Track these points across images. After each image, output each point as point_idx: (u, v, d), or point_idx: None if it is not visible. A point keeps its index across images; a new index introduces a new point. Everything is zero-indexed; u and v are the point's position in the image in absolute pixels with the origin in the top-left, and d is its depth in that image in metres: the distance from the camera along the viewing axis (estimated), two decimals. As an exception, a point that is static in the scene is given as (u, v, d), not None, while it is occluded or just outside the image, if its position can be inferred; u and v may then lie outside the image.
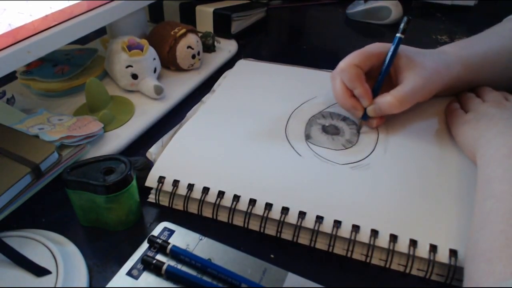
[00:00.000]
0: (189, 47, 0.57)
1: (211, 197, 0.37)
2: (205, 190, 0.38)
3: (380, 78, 0.45)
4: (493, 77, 0.48)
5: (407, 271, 0.33)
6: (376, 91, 0.45)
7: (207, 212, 0.38)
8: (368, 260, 0.34)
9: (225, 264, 0.32)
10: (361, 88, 0.44)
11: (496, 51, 0.48)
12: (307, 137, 0.44)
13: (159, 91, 0.52)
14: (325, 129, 0.45)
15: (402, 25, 0.45)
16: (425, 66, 0.43)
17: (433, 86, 0.44)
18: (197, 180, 0.38)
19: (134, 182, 0.36)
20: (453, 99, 0.48)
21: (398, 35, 0.44)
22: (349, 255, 0.34)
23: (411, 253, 0.33)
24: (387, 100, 0.42)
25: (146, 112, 0.50)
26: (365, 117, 0.45)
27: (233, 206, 0.37)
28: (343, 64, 0.45)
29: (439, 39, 0.73)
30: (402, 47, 0.45)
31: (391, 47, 0.44)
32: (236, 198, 0.37)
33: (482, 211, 0.31)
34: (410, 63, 0.43)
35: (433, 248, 0.33)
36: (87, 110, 0.49)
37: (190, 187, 0.38)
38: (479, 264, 0.28)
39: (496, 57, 0.47)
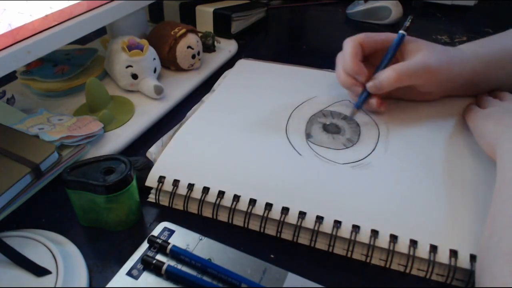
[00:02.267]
0: (189, 47, 0.57)
1: (211, 197, 0.37)
2: (205, 190, 0.38)
3: (380, 65, 0.45)
4: (508, 77, 0.47)
5: (407, 271, 0.33)
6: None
7: (207, 212, 0.38)
8: (368, 260, 0.34)
9: (225, 264, 0.32)
10: (353, 64, 0.44)
11: None
12: (308, 136, 0.44)
13: (159, 91, 0.52)
14: (325, 128, 0.45)
15: (406, 23, 0.46)
16: (434, 51, 0.43)
17: (441, 75, 0.43)
18: (197, 180, 0.38)
19: (134, 182, 0.36)
20: (471, 102, 0.48)
21: (401, 31, 0.45)
22: (349, 255, 0.34)
23: (411, 253, 0.33)
24: (387, 73, 0.42)
25: (146, 112, 0.50)
26: (357, 104, 0.45)
27: (233, 206, 0.37)
28: (348, 38, 0.46)
29: (439, 39, 0.73)
30: (413, 38, 0.45)
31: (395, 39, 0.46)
32: (236, 198, 0.37)
33: (505, 211, 0.30)
34: (418, 47, 0.44)
35: (433, 249, 0.32)
36: (87, 110, 0.49)
37: (190, 187, 0.38)
38: (504, 265, 0.27)
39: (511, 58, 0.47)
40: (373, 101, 0.45)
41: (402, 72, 0.42)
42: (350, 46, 0.45)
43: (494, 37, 0.50)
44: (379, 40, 0.46)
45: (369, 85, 0.44)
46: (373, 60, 0.47)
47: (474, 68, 0.45)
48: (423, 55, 0.43)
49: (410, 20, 0.46)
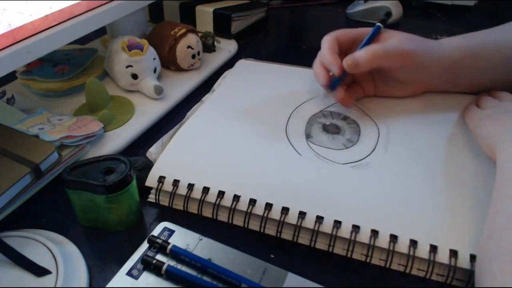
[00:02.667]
0: (189, 47, 0.57)
1: (211, 197, 0.37)
2: (205, 190, 0.38)
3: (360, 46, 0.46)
4: (493, 66, 0.47)
5: (407, 271, 0.33)
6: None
7: (207, 212, 0.38)
8: (368, 260, 0.34)
9: (225, 264, 0.32)
10: (328, 55, 0.45)
11: (497, 41, 0.47)
12: (308, 136, 0.44)
13: (159, 91, 0.52)
14: (325, 128, 0.45)
15: (382, 16, 0.48)
16: (411, 38, 0.45)
17: (416, 55, 0.44)
18: (197, 180, 0.38)
19: (134, 182, 0.36)
20: (470, 102, 0.48)
21: (377, 24, 0.47)
22: (349, 255, 0.34)
23: (411, 253, 0.33)
24: (362, 51, 0.44)
25: (146, 112, 0.50)
26: (333, 86, 0.46)
27: (233, 206, 0.37)
28: (326, 35, 0.48)
29: (439, 39, 0.73)
30: (389, 29, 0.47)
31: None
32: (236, 198, 0.37)
33: (505, 210, 0.30)
34: (394, 34, 0.46)
35: (433, 249, 0.32)
36: (87, 110, 0.49)
37: (190, 187, 0.38)
38: (504, 264, 0.27)
39: (496, 47, 0.47)
40: (337, 93, 0.47)
41: (378, 50, 0.44)
42: (327, 40, 0.47)
43: (479, 32, 0.50)
44: (356, 34, 0.48)
45: (346, 60, 0.44)
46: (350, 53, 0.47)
47: (452, 56, 0.46)
48: (398, 40, 0.45)
49: (385, 14, 0.47)
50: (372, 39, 0.46)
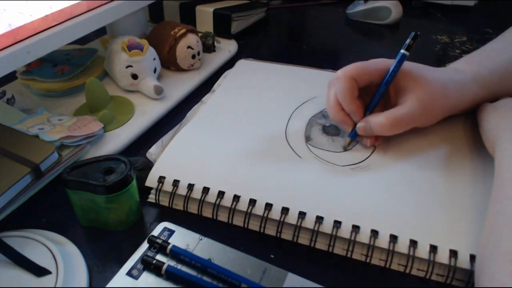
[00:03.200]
0: (189, 47, 0.57)
1: (211, 197, 0.37)
2: (205, 190, 0.38)
3: (376, 95, 0.42)
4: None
5: (407, 271, 0.33)
6: (370, 109, 0.42)
7: (207, 212, 0.38)
8: (368, 260, 0.34)
9: (225, 264, 0.32)
10: (350, 104, 0.41)
11: None
12: (307, 139, 0.44)
13: (159, 91, 0.52)
14: (325, 130, 0.45)
15: (408, 41, 0.41)
16: (430, 88, 0.39)
17: (438, 110, 0.40)
18: (197, 180, 0.38)
19: (134, 182, 0.36)
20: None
21: (402, 51, 0.40)
22: (349, 255, 0.34)
23: (411, 253, 0.33)
24: (379, 120, 0.39)
25: (146, 112, 0.50)
26: (353, 135, 0.42)
27: (233, 206, 0.37)
28: (340, 73, 0.41)
29: (439, 39, 0.73)
30: (407, 63, 0.41)
31: (393, 63, 0.41)
32: (236, 198, 0.37)
33: (504, 211, 0.30)
34: (413, 83, 0.40)
35: (433, 249, 0.32)
36: (87, 110, 0.49)
37: (190, 187, 0.38)
38: (503, 265, 0.27)
39: None
40: (367, 141, 0.42)
41: (394, 122, 0.39)
42: (343, 82, 0.41)
43: (497, 47, 0.46)
44: (374, 72, 0.42)
45: (359, 126, 0.41)
46: (369, 90, 0.43)
47: (476, 95, 0.42)
48: (416, 99, 0.39)
49: (411, 38, 0.41)
50: (395, 74, 0.41)
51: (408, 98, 0.39)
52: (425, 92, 0.39)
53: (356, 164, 0.41)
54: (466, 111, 0.45)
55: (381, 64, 0.42)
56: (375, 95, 0.42)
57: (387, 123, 0.39)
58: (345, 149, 0.43)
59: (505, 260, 0.27)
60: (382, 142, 0.42)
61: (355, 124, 0.42)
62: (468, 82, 0.42)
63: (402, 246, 0.33)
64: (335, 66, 0.46)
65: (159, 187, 0.39)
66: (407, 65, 0.41)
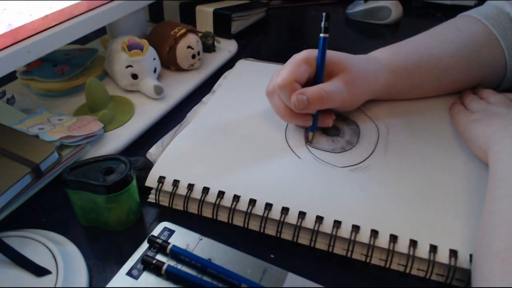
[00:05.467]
0: (189, 47, 0.57)
1: (211, 197, 0.37)
2: (205, 190, 0.38)
3: (316, 82, 0.43)
4: (429, 82, 0.48)
5: (407, 271, 0.33)
6: None
7: (207, 212, 0.38)
8: (368, 260, 0.34)
9: (225, 264, 0.32)
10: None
11: (435, 55, 0.47)
12: (307, 140, 0.44)
13: (159, 91, 0.52)
14: (325, 131, 0.45)
15: (322, 23, 0.43)
16: (352, 71, 0.43)
17: (358, 91, 0.44)
18: (197, 180, 0.38)
19: (134, 182, 0.36)
20: (455, 101, 0.48)
21: (321, 35, 0.42)
22: (349, 255, 0.34)
23: (411, 253, 0.33)
24: (313, 90, 0.40)
25: (146, 112, 0.50)
26: (313, 128, 0.43)
27: (233, 206, 0.37)
28: (280, 80, 0.41)
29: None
30: (331, 53, 0.43)
31: (318, 48, 0.43)
32: (236, 198, 0.37)
33: (497, 210, 0.31)
34: (338, 67, 0.43)
35: (433, 249, 0.33)
36: (87, 110, 0.49)
37: (190, 187, 0.38)
38: (494, 264, 0.27)
39: (433, 62, 0.47)
40: (328, 121, 0.44)
41: (324, 92, 0.40)
42: (288, 89, 0.41)
43: (418, 40, 0.49)
44: (305, 64, 0.43)
45: (297, 98, 0.40)
46: (309, 83, 0.43)
47: (388, 81, 0.46)
48: (340, 79, 0.42)
49: (324, 19, 0.43)
50: (324, 58, 0.42)
51: (335, 79, 0.42)
52: (349, 74, 0.42)
53: (355, 165, 0.41)
54: (386, 97, 0.48)
55: (308, 54, 0.43)
56: (315, 82, 0.43)
57: (319, 91, 0.40)
58: (310, 141, 0.44)
59: (497, 259, 0.27)
60: (334, 117, 0.45)
61: (313, 116, 0.43)
62: (381, 68, 0.45)
63: (402, 246, 0.33)
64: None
65: (159, 187, 0.39)
66: (333, 54, 0.43)
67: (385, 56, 0.47)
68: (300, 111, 0.41)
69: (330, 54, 0.43)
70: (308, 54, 0.43)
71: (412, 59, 0.47)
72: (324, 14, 0.44)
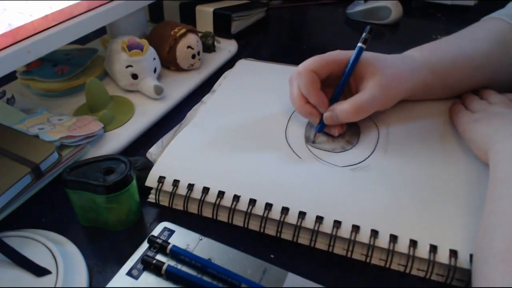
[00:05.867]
0: (189, 47, 0.57)
1: (211, 197, 0.37)
2: (205, 190, 0.38)
3: (340, 86, 0.43)
4: (462, 80, 0.48)
5: (407, 271, 0.33)
6: (334, 100, 0.43)
7: (207, 212, 0.38)
8: (368, 260, 0.34)
9: (225, 264, 0.32)
10: (315, 96, 0.42)
11: (468, 54, 0.47)
12: (307, 139, 0.44)
13: (159, 91, 0.52)
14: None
15: (364, 35, 0.43)
16: (386, 73, 0.42)
17: (394, 93, 0.43)
18: (197, 180, 0.38)
19: (134, 182, 0.36)
20: (456, 101, 0.48)
21: (359, 44, 0.43)
22: (349, 255, 0.34)
23: (411, 253, 0.33)
24: (344, 108, 0.41)
25: (146, 112, 0.50)
26: (320, 128, 0.43)
27: (233, 206, 0.37)
28: (301, 67, 0.43)
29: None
30: (363, 53, 0.43)
31: (352, 55, 0.43)
32: (236, 198, 0.37)
33: (497, 211, 0.31)
34: (370, 70, 0.42)
35: (433, 249, 0.32)
36: (87, 110, 0.49)
37: (190, 187, 0.38)
38: (495, 264, 0.27)
39: (467, 61, 0.47)
40: (334, 130, 0.44)
41: (359, 107, 0.41)
42: (306, 75, 0.42)
43: (450, 40, 0.49)
44: (332, 64, 0.44)
45: (326, 116, 0.42)
46: (329, 81, 0.45)
47: (426, 79, 0.45)
48: (375, 83, 0.42)
49: (367, 31, 0.43)
50: (354, 66, 0.43)
51: (368, 85, 0.42)
52: (382, 77, 0.42)
53: (356, 164, 0.41)
54: (421, 97, 0.48)
55: (339, 55, 0.44)
56: (338, 86, 0.44)
57: (352, 110, 0.41)
58: (314, 142, 0.44)
59: (498, 260, 0.27)
60: (346, 128, 0.45)
61: (321, 116, 0.43)
62: (419, 67, 0.45)
63: (402, 246, 0.33)
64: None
65: (159, 187, 0.39)
66: (364, 54, 0.43)
67: (422, 55, 0.47)
68: (332, 124, 0.43)
69: (362, 55, 0.43)
70: (339, 53, 0.44)
71: (448, 58, 0.46)
72: (368, 27, 0.44)
